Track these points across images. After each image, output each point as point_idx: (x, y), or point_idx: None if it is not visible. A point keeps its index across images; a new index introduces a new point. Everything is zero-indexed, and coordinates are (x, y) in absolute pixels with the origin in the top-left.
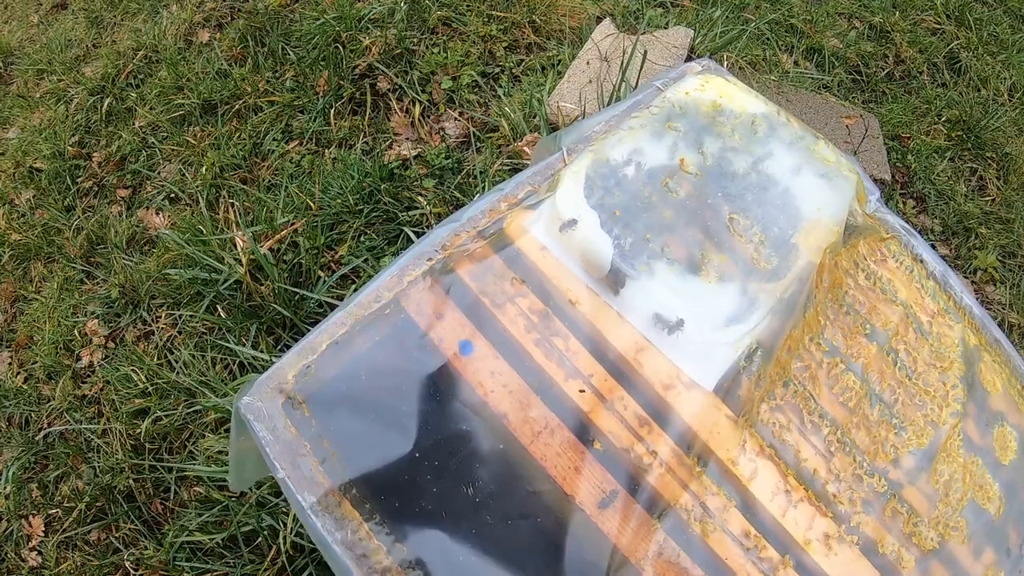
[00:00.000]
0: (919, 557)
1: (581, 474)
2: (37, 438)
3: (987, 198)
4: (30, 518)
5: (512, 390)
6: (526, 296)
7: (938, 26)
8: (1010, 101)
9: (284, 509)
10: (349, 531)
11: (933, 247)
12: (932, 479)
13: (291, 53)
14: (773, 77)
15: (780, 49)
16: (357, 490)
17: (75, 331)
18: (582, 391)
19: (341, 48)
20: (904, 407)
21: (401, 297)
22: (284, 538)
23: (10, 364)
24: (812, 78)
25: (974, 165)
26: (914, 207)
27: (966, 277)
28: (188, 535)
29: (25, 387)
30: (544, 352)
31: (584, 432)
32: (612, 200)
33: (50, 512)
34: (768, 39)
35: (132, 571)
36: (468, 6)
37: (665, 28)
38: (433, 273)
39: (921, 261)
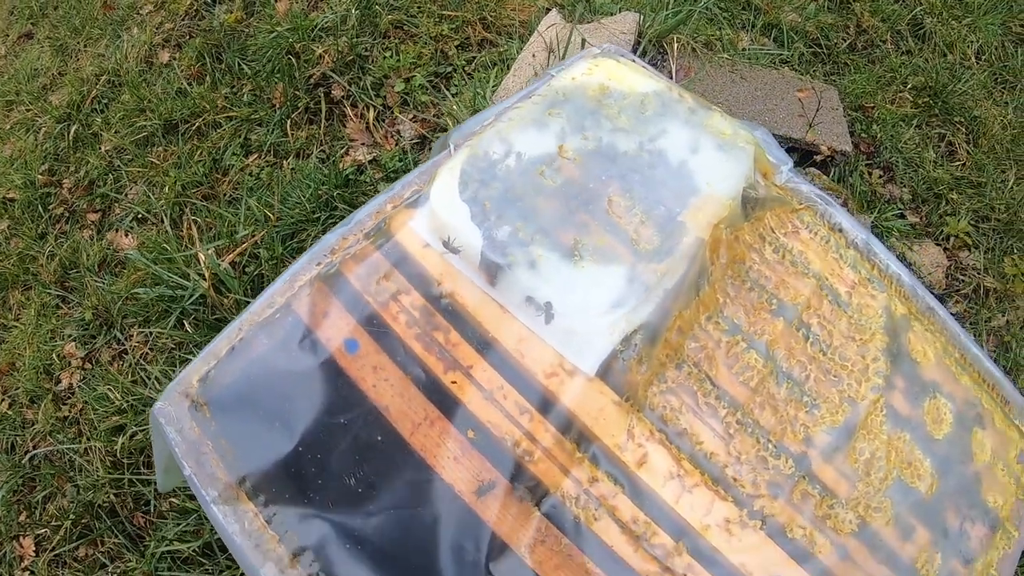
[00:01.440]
0: (836, 541)
1: (460, 463)
2: (23, 461)
3: (957, 163)
4: (20, 539)
5: (393, 384)
6: (408, 293)
7: None
8: (978, 64)
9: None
10: (246, 522)
11: (902, 216)
12: (850, 458)
13: (247, 68)
14: (726, 55)
15: (737, 27)
16: (251, 484)
17: (54, 355)
18: (454, 382)
19: (295, 59)
20: (817, 384)
21: (292, 301)
22: None
23: None
24: (769, 54)
25: (943, 131)
26: (881, 177)
27: (938, 244)
28: (168, 545)
29: (10, 412)
30: (424, 346)
31: (463, 422)
32: (486, 192)
33: (39, 532)
34: (724, 19)
35: None
36: (419, 7)
37: (612, 15)
38: (321, 276)
39: (840, 230)
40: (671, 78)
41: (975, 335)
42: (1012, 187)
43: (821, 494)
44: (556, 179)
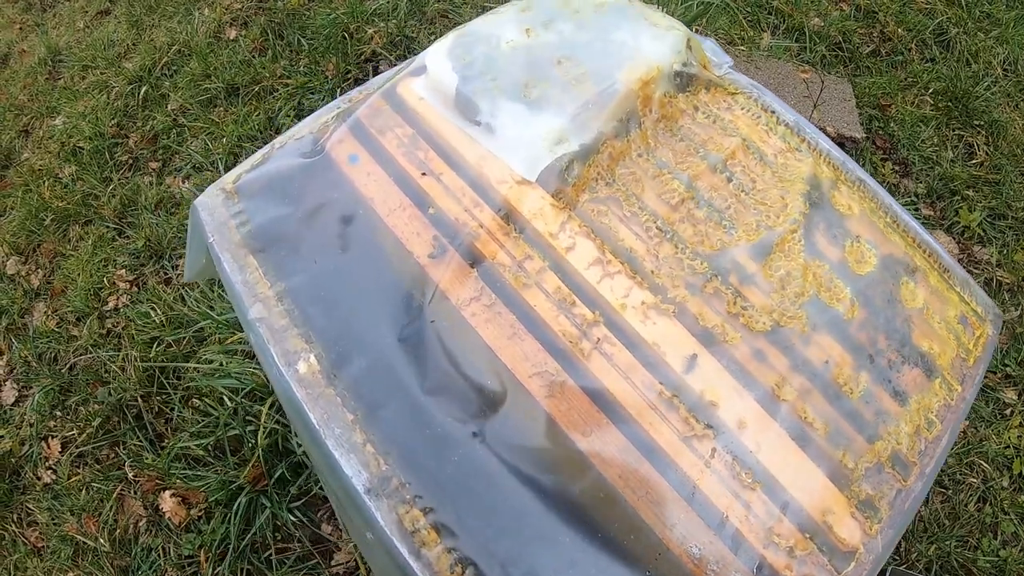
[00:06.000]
0: (747, 335)
1: (420, 236)
2: (63, 370)
3: (975, 163)
4: (49, 440)
5: (379, 183)
6: (402, 127)
7: (928, 6)
8: (1005, 75)
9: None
10: (248, 273)
11: (917, 209)
12: (764, 271)
13: (305, 44)
14: (743, 48)
15: (760, 29)
16: (258, 243)
17: (104, 279)
18: (424, 175)
19: (348, 37)
20: (736, 213)
21: (315, 130)
22: (260, 439)
23: (45, 312)
24: (789, 51)
25: (962, 133)
26: (896, 170)
27: (952, 237)
28: (182, 443)
29: (57, 329)
30: (407, 158)
31: (424, 204)
32: (465, 55)
33: (67, 434)
34: (744, 19)
35: (131, 479)
36: (464, 0)
37: None
38: (340, 116)
39: (772, 112)
40: None
41: None
42: None
43: (734, 295)
44: (521, 51)
